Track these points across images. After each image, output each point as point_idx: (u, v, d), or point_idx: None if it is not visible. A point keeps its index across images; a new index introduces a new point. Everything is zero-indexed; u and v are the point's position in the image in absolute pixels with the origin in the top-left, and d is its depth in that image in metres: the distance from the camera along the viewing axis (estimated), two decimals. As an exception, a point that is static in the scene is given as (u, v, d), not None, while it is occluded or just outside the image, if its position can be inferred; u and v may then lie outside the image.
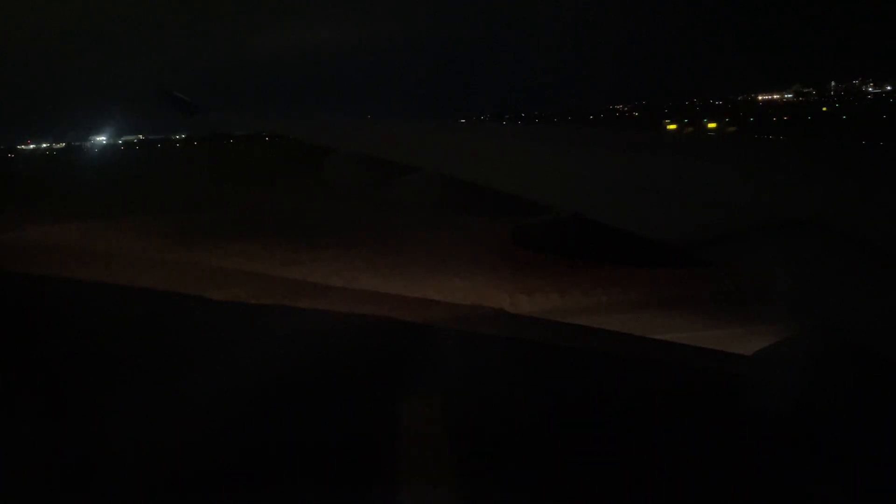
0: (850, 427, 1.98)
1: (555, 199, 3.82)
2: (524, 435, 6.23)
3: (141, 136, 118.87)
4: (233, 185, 32.17)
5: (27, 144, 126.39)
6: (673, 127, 55.98)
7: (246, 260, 14.11)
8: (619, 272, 9.84)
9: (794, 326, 2.13)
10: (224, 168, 45.90)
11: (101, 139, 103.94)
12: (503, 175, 4.51)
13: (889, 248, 2.11)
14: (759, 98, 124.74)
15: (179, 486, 5.76)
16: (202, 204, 25.10)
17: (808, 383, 2.08)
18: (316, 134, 7.66)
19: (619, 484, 5.43)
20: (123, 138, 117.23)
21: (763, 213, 2.65)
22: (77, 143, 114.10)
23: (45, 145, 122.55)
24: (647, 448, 5.80)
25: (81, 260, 15.24)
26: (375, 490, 5.53)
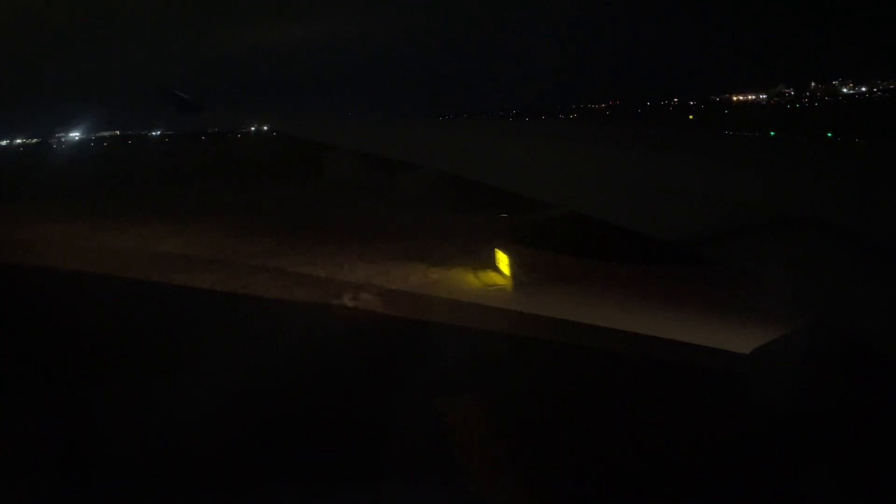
0: (848, 426, 2.00)
1: (553, 196, 3.84)
2: (523, 431, 6.27)
3: (117, 132, 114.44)
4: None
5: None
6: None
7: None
8: (618, 269, 9.86)
9: (793, 324, 2.14)
10: (238, 170, 43.51)
11: (75, 135, 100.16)
12: (503, 172, 4.52)
13: (889, 245, 2.13)
14: (734, 98, 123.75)
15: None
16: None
17: (806, 381, 2.10)
18: (315, 131, 7.67)
19: (616, 482, 5.45)
20: (98, 134, 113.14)
21: (762, 211, 2.66)
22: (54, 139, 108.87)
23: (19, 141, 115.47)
24: (644, 445, 5.83)
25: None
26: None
